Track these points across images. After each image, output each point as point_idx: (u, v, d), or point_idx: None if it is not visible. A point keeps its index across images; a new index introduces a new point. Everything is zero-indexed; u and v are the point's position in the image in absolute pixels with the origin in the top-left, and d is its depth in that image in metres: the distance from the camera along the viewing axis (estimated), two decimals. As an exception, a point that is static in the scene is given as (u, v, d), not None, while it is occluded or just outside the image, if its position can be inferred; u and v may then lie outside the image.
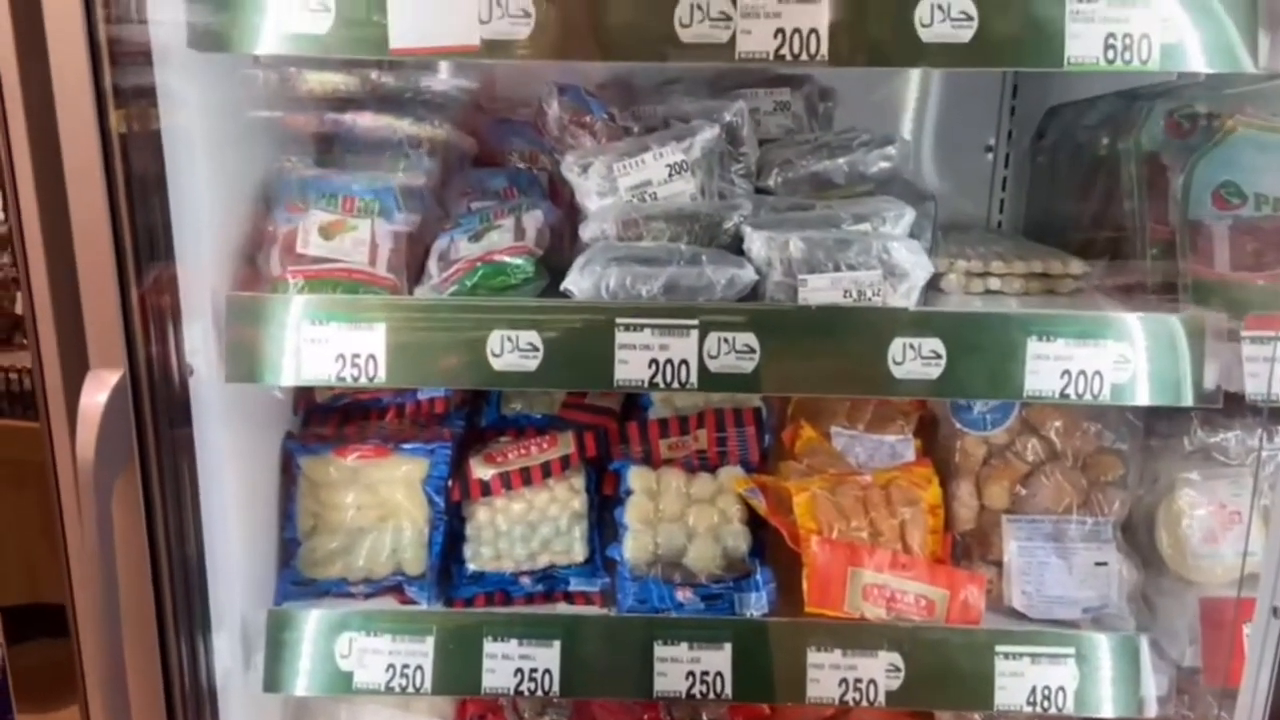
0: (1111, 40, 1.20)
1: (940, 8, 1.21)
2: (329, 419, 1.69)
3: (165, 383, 1.24)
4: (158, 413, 1.23)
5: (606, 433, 1.64)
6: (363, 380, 1.33)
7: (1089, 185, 1.77)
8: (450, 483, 1.56)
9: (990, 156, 2.03)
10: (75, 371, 1.17)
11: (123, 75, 1.14)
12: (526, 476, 1.55)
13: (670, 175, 1.51)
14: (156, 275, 1.22)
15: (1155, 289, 1.51)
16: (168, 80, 1.20)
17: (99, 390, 1.15)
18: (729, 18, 1.22)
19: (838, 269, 1.33)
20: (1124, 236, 1.63)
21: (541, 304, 1.36)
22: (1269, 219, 1.50)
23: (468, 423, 1.72)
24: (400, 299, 1.40)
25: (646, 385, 1.32)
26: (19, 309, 1.18)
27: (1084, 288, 1.59)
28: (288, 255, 1.38)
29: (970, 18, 1.21)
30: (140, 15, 1.16)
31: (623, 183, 1.51)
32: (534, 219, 1.51)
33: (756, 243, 1.36)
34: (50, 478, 1.19)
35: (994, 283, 1.59)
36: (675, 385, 1.31)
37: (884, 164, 1.62)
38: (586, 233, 1.46)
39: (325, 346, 1.32)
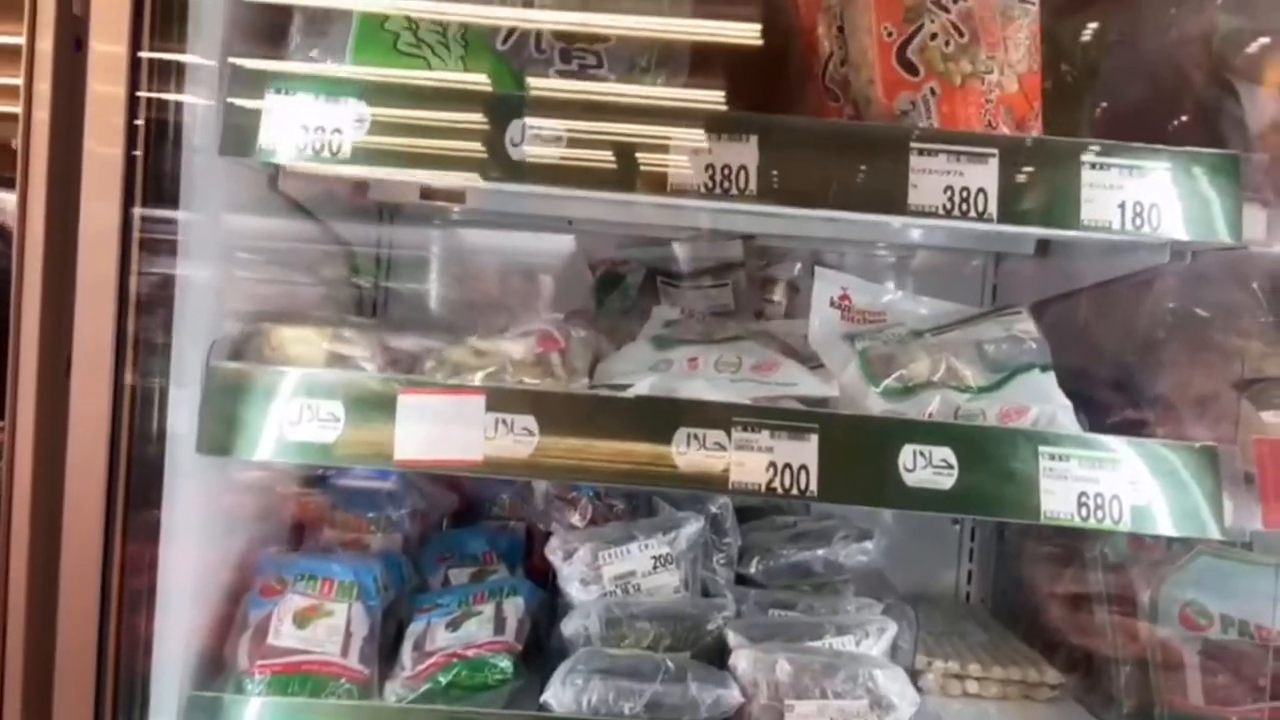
0: (1084, 499, 1.27)
1: (922, 454, 1.28)
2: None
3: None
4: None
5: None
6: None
7: (1056, 578, 1.81)
8: None
9: (956, 527, 2.09)
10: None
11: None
12: None
13: (655, 567, 1.51)
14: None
15: (1133, 712, 1.51)
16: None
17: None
18: (723, 448, 1.28)
19: (824, 695, 1.31)
20: (1097, 638, 1.65)
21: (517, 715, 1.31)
22: (1235, 643, 1.53)
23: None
24: (369, 705, 1.34)
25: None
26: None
27: (1060, 696, 1.59)
28: (257, 646, 1.34)
29: (950, 466, 1.28)
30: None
31: (607, 572, 1.51)
32: (515, 607, 1.49)
33: (743, 662, 1.35)
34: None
35: (972, 685, 1.60)
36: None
37: (861, 558, 1.65)
38: (569, 628, 1.44)
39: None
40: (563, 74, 1.31)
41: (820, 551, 1.64)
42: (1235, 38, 1.51)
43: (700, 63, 1.43)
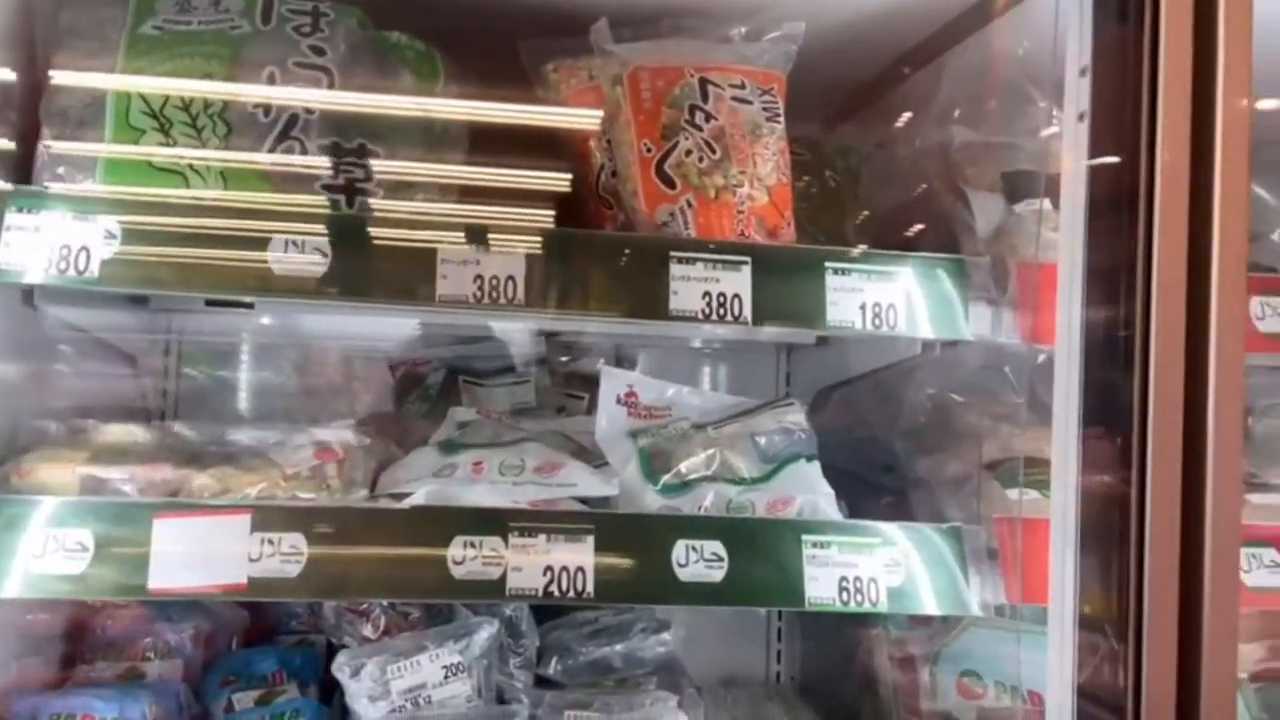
0: (845, 583, 1.34)
1: (694, 548, 1.32)
2: None
3: None
4: None
5: None
6: None
7: (849, 655, 1.88)
8: None
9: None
10: None
11: None
12: None
13: (446, 677, 1.48)
14: None
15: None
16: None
17: None
18: (500, 554, 1.28)
19: (611, 801, 1.31)
20: (887, 712, 1.72)
21: None
22: (1007, 710, 1.63)
23: None
24: None
25: None
26: None
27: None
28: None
29: (721, 558, 1.33)
30: None
31: (395, 686, 1.47)
32: (297, 732, 1.42)
33: (528, 770, 1.33)
34: None
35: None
36: None
37: (660, 649, 1.68)
38: (352, 750, 1.39)
39: None
40: (329, 189, 1.32)
41: (619, 646, 1.66)
42: (967, 150, 1.68)
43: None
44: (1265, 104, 1.18)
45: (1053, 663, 1.18)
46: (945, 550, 1.39)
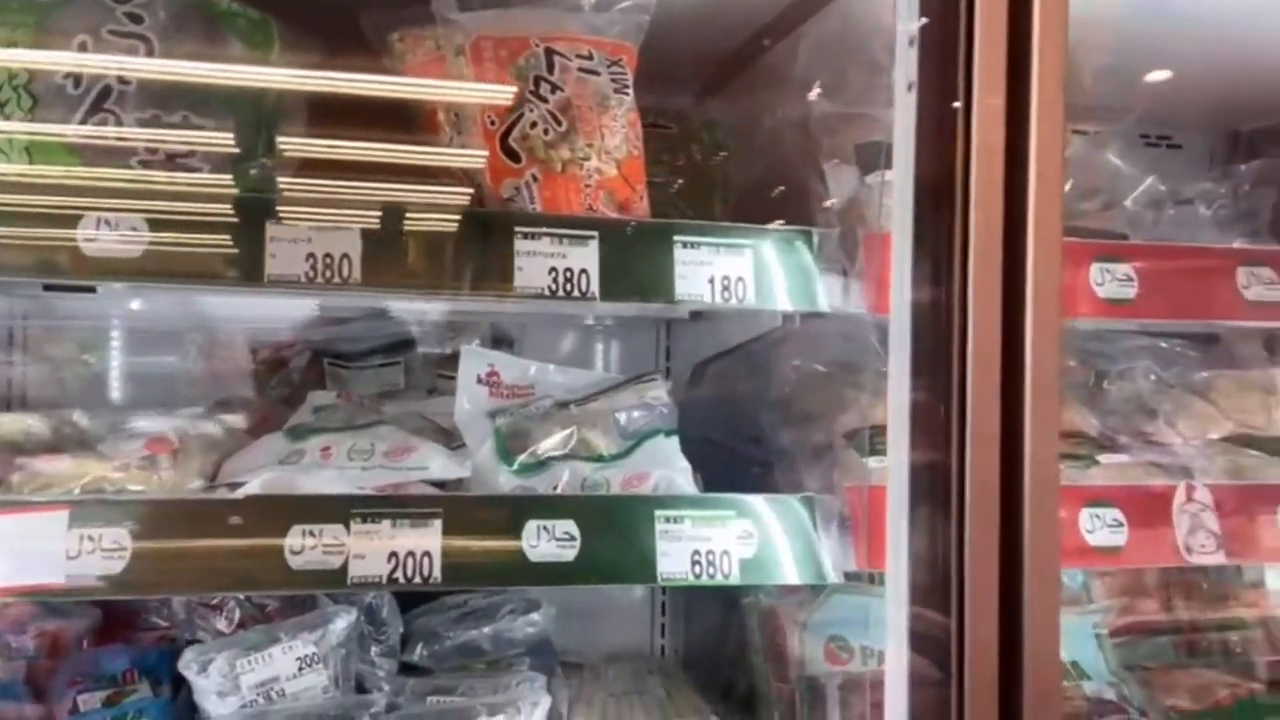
0: (697, 557, 1.34)
1: (546, 529, 1.30)
2: None
3: None
4: None
5: None
6: None
7: (724, 626, 1.89)
8: None
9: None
10: None
11: None
12: None
13: (301, 669, 1.44)
14: None
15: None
16: None
17: None
18: (341, 542, 1.24)
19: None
20: (757, 681, 1.74)
21: None
22: (875, 673, 1.66)
23: None
24: None
25: None
26: None
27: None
28: None
29: (573, 538, 1.31)
30: None
31: (246, 681, 1.42)
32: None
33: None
34: None
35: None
36: None
37: (530, 630, 1.66)
38: (197, 750, 1.34)
39: None
40: (148, 164, 1.25)
41: (487, 629, 1.63)
42: (825, 122, 1.69)
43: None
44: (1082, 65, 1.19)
45: (890, 625, 1.19)
46: (799, 520, 1.40)
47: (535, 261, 1.32)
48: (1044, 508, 1.04)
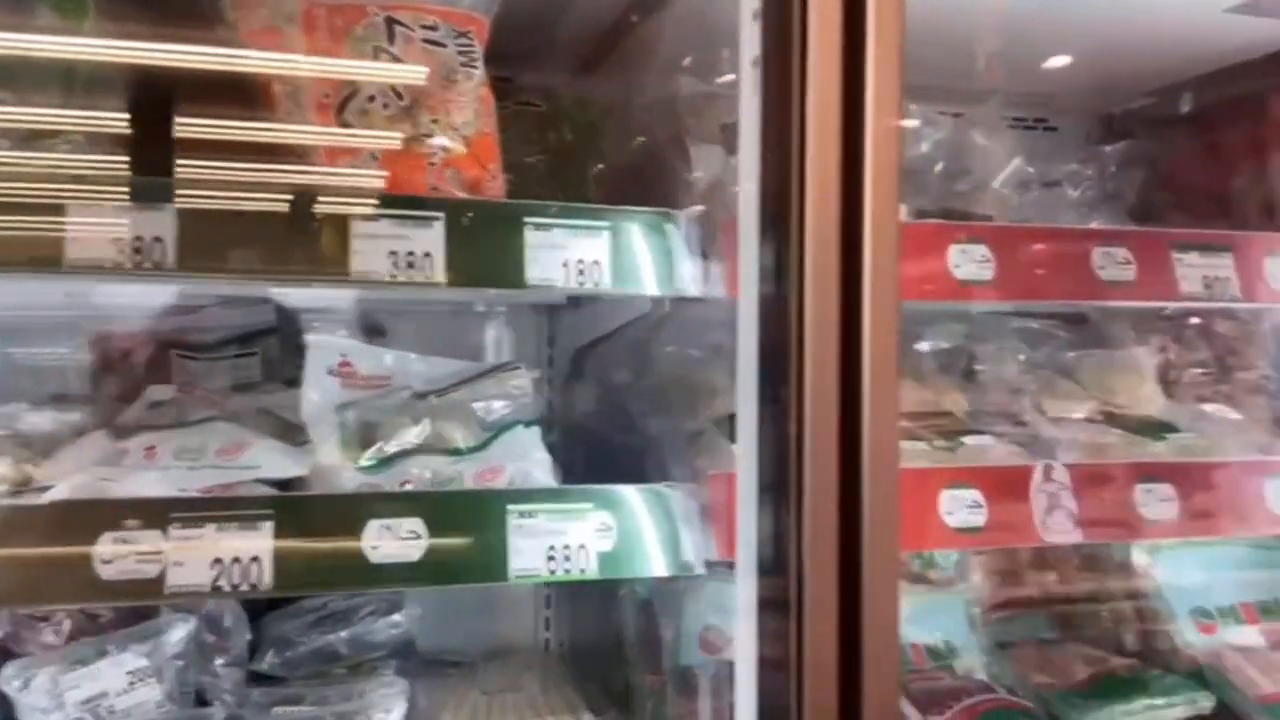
0: (553, 552, 1.28)
1: (389, 528, 1.23)
2: None
3: None
4: None
5: None
6: None
7: (604, 617, 1.85)
8: None
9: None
10: None
11: None
12: None
13: (132, 683, 1.35)
14: None
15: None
16: None
17: None
18: (158, 549, 1.15)
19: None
20: (632, 673, 1.71)
21: None
22: (746, 661, 1.63)
23: None
24: None
25: None
26: None
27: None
28: None
29: (419, 536, 1.24)
30: None
31: (71, 698, 1.32)
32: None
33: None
34: None
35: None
36: None
37: (393, 631, 1.59)
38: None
39: None
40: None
41: (344, 633, 1.56)
42: (691, 101, 1.64)
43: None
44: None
45: (740, 613, 1.16)
46: (662, 509, 1.36)
47: (374, 244, 1.25)
48: (882, 488, 1.02)
